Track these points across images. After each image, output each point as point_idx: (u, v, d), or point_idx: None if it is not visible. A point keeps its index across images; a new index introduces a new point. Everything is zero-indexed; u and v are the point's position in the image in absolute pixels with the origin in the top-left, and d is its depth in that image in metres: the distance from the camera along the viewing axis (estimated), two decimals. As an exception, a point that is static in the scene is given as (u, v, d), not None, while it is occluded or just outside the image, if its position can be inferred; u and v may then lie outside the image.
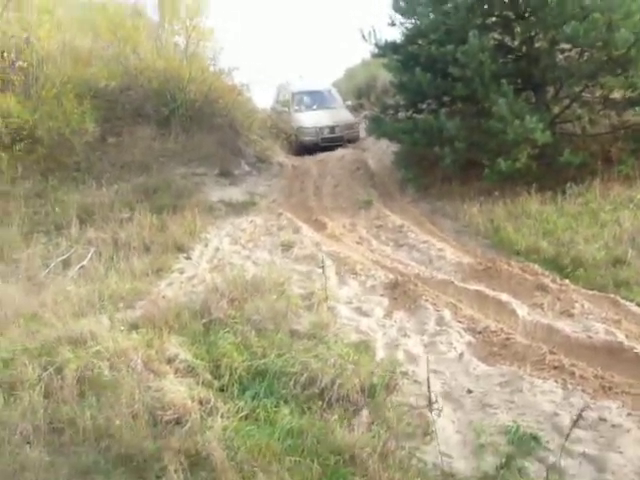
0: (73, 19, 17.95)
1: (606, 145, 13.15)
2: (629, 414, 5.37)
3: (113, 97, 16.96)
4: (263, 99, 23.76)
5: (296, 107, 21.25)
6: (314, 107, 21.33)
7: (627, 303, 7.83)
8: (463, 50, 12.19)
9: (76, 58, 16.33)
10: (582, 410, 4.66)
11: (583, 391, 5.75)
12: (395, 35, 15.15)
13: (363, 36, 14.55)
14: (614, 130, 13.15)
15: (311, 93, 21.94)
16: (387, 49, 14.53)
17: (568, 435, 4.54)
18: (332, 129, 20.11)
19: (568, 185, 11.70)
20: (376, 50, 14.77)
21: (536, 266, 9.16)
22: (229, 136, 17.19)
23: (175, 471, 4.45)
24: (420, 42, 14.11)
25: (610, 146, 13.12)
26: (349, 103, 22.99)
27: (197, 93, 17.36)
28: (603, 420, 5.26)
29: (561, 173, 12.26)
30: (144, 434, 5.04)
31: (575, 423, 4.55)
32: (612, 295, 8.05)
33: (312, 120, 20.36)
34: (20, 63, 14.70)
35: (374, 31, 14.51)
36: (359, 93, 23.98)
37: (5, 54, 14.66)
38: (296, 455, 4.87)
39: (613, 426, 5.18)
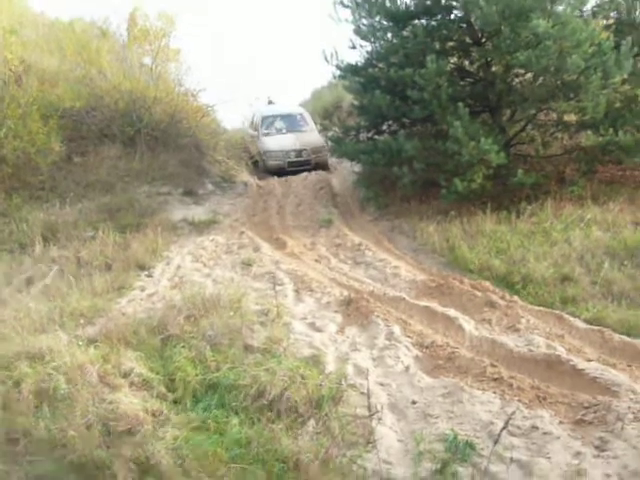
0: (39, 40, 18.11)
1: (560, 166, 13.63)
2: (560, 422, 5.69)
3: (79, 117, 17.13)
4: (230, 119, 23.93)
5: (265, 131, 20.60)
6: (283, 131, 20.70)
7: (572, 319, 8.18)
8: (421, 74, 12.55)
9: (42, 79, 16.48)
10: (510, 417, 4.94)
11: (519, 401, 6.05)
12: (357, 58, 15.51)
13: (325, 58, 14.88)
14: (567, 152, 13.59)
15: (282, 117, 21.38)
16: (348, 71, 14.88)
17: (497, 440, 4.82)
18: (299, 152, 19.50)
19: (522, 205, 12.09)
20: (338, 72, 15.12)
21: (487, 283, 9.51)
22: (194, 156, 17.43)
23: (124, 478, 4.66)
24: (380, 65, 14.49)
25: (563, 167, 13.59)
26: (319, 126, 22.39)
27: (163, 114, 17.61)
28: (535, 428, 5.57)
29: (516, 193, 12.67)
30: (97, 443, 5.24)
31: (504, 429, 4.82)
32: (558, 311, 8.42)
33: (279, 143, 19.80)
34: (-15, 83, 14.86)
35: (336, 53, 14.87)
36: (325, 114, 24.25)
37: (-29, 74, 14.82)
38: (243, 463, 5.12)
39: (544, 433, 5.49)
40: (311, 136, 20.29)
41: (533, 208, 11.99)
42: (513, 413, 5.21)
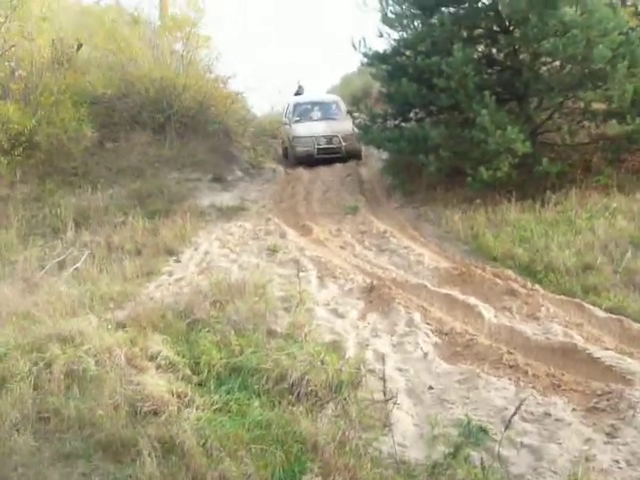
0: (72, 27, 18.39)
1: (586, 155, 13.64)
2: (573, 409, 5.80)
3: (111, 104, 17.49)
4: (260, 106, 24.02)
5: (297, 118, 19.95)
6: (315, 118, 20.05)
7: (592, 308, 8.25)
8: (448, 62, 12.65)
9: (74, 66, 16.78)
10: (522, 402, 5.09)
11: (534, 388, 6.17)
12: (385, 46, 15.55)
13: (353, 45, 15.01)
14: (593, 141, 13.59)
15: (315, 104, 20.76)
16: (375, 59, 14.99)
17: (507, 425, 4.96)
18: (329, 139, 18.68)
19: (547, 194, 12.13)
20: (365, 59, 15.21)
21: (510, 272, 9.60)
22: (223, 142, 17.69)
23: (148, 455, 4.89)
24: (407, 53, 14.58)
25: (590, 156, 13.59)
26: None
27: (192, 101, 17.85)
28: (548, 415, 5.69)
29: (541, 182, 12.70)
30: (123, 423, 5.47)
31: (515, 414, 4.97)
32: (578, 300, 8.49)
33: (308, 129, 19.05)
34: (20, 72, 15.20)
35: (364, 40, 14.97)
36: (354, 101, 24.22)
37: (6, 63, 15.15)
38: (263, 444, 5.29)
39: (557, 420, 5.61)
40: (343, 124, 19.04)
41: (558, 197, 12.04)
42: (525, 399, 5.35)
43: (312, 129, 18.98)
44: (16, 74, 15.16)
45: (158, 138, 17.16)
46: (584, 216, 11.22)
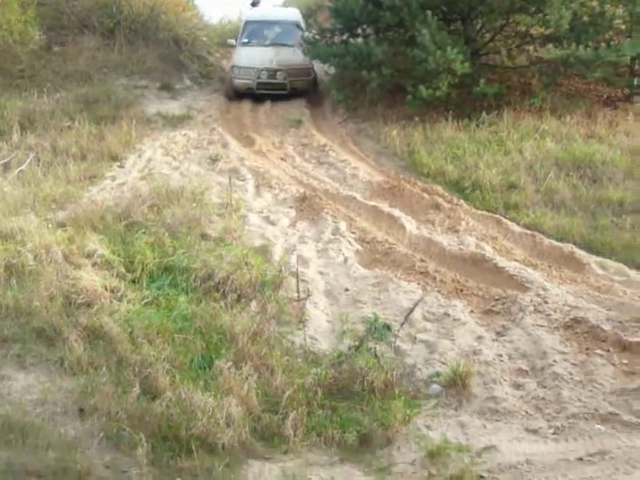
0: None
1: (524, 78, 14.03)
2: (471, 311, 6.46)
3: (59, 7, 17.22)
4: (214, 14, 23.54)
5: (244, 40, 17.24)
6: (266, 42, 17.03)
7: (510, 223, 8.89)
8: (393, -21, 12.78)
9: (22, -35, 16.48)
10: (418, 301, 5.69)
11: (439, 292, 6.81)
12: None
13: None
14: (532, 64, 13.95)
15: (270, 24, 17.50)
16: (323, -27, 14.99)
17: (405, 320, 5.59)
18: (273, 73, 16.11)
19: (483, 114, 12.55)
20: (314, -26, 15.23)
21: (439, 187, 10.16)
22: (173, 50, 17.51)
23: (76, 340, 5.40)
24: (353, -32, 14.56)
25: (528, 79, 13.99)
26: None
27: (143, 7, 17.60)
28: (447, 315, 6.34)
29: (478, 103, 13.08)
30: (57, 312, 5.95)
31: (412, 310, 5.61)
32: (498, 216, 9.09)
33: (250, 59, 16.35)
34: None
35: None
36: (309, 13, 24.02)
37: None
38: (186, 334, 5.84)
39: (454, 320, 6.27)
40: (295, 54, 16.34)
41: (493, 118, 12.43)
42: (422, 299, 5.95)
43: (254, 59, 16.34)
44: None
45: (107, 43, 16.96)
46: (515, 137, 11.70)
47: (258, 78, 16.01)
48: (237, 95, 16.23)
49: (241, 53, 16.87)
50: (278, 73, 16.09)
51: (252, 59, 16.29)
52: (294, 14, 18.55)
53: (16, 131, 12.37)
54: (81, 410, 4.92)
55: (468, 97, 13.26)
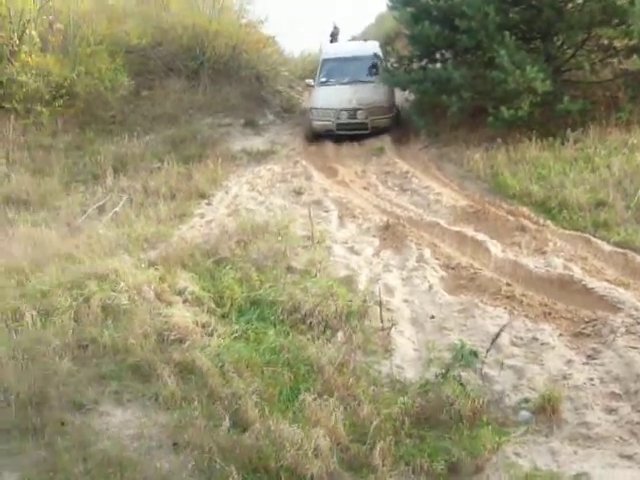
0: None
1: (609, 92, 13.73)
2: (560, 335, 6.34)
3: (145, 53, 17.96)
4: (294, 48, 23.99)
5: (322, 79, 16.81)
6: (345, 80, 16.49)
7: (599, 242, 8.66)
8: (468, 2, 12.82)
9: (110, 17, 17.30)
10: (504, 326, 5.63)
11: (526, 316, 6.71)
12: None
13: (378, -13, 15.16)
14: (616, 77, 13.68)
15: (346, 60, 16.92)
16: (399, 2, 15.17)
17: (489, 348, 5.54)
18: (353, 113, 15.59)
19: (567, 131, 12.34)
20: (389, 3, 15.41)
21: (524, 208, 10.02)
22: (255, 87, 18.06)
23: (169, 376, 5.59)
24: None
25: (613, 93, 13.69)
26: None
27: (225, 47, 18.19)
28: (535, 339, 6.24)
29: (562, 120, 12.88)
30: (151, 349, 6.17)
31: (499, 335, 5.55)
32: (587, 235, 8.88)
33: (327, 100, 15.91)
34: (58, 25, 15.78)
35: (389, -17, 15.04)
36: (387, 40, 24.22)
37: (44, 17, 15.75)
38: (274, 366, 5.96)
39: (542, 344, 6.17)
40: (375, 91, 15.95)
41: (578, 135, 12.19)
42: (507, 324, 5.89)
43: (332, 99, 15.86)
44: (54, 27, 15.75)
45: (192, 85, 17.64)
46: (602, 153, 11.42)
47: (337, 119, 15.61)
48: (316, 137, 15.87)
49: (319, 94, 16.45)
50: (358, 112, 15.58)
51: (330, 99, 15.87)
52: (372, 47, 17.65)
53: (109, 174, 12.97)
54: (175, 444, 5.06)
55: (551, 115, 13.07)
